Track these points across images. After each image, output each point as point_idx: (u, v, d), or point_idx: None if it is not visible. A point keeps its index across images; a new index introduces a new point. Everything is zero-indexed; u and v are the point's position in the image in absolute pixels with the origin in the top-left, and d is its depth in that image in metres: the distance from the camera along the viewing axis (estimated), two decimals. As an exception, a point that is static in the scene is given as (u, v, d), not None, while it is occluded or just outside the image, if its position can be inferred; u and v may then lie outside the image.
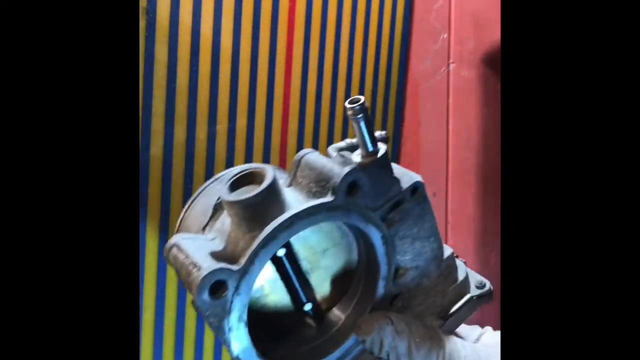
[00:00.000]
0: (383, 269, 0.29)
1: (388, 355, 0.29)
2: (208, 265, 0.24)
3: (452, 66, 0.59)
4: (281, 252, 0.28)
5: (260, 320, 0.29)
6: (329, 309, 0.31)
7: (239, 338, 0.26)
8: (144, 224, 0.42)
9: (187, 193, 0.44)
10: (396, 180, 0.29)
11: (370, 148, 0.29)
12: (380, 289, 0.30)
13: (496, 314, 0.56)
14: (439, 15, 0.59)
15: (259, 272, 0.25)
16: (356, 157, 0.30)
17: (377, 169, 0.29)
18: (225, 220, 0.28)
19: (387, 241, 0.29)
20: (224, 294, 0.25)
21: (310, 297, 0.30)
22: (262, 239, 0.25)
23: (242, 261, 0.25)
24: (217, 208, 0.31)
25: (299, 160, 0.29)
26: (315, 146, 0.50)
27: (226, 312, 0.25)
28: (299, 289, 0.29)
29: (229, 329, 0.25)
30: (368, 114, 0.28)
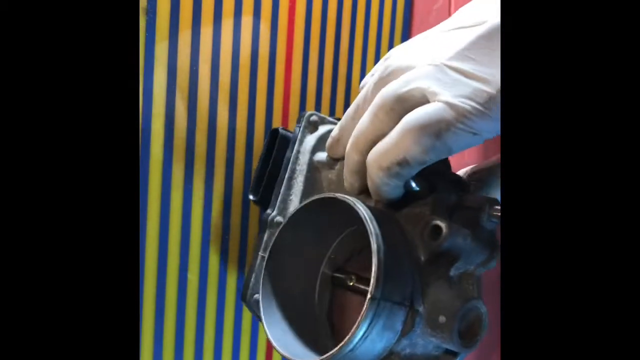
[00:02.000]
0: None
1: None
2: None
3: (452, 67, 0.59)
4: None
5: None
6: None
7: None
8: (144, 223, 0.42)
9: (187, 193, 0.44)
10: None
11: None
12: None
13: (496, 315, 0.56)
14: (439, 16, 0.59)
15: None
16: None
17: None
18: None
19: None
20: None
21: None
22: None
23: None
24: None
25: None
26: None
27: None
28: None
29: None
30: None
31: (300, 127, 0.43)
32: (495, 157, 0.40)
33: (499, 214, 0.32)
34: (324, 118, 0.44)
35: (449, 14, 0.59)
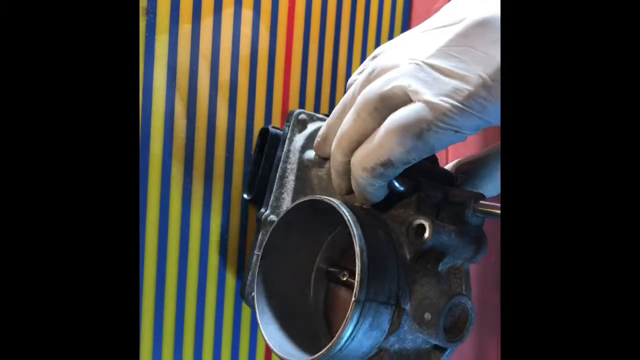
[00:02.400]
0: None
1: None
2: None
3: (451, 66, 0.59)
4: None
5: None
6: None
7: None
8: (144, 223, 0.42)
9: (187, 192, 0.44)
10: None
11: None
12: None
13: (496, 315, 0.56)
14: (439, 15, 0.59)
15: None
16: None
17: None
18: None
19: None
20: None
21: None
22: None
23: None
24: None
25: None
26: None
27: None
28: None
29: None
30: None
31: (289, 125, 0.44)
32: (482, 150, 0.40)
33: (484, 209, 0.32)
34: (313, 115, 0.44)
35: (449, 14, 0.59)
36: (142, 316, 0.43)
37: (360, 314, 0.29)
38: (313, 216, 0.35)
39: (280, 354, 0.32)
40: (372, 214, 0.34)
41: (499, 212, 0.31)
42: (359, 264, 0.29)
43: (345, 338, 0.29)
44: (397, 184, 0.33)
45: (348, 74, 0.53)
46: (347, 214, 0.31)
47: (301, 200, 0.34)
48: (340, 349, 0.30)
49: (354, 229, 0.30)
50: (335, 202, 0.32)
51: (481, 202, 0.32)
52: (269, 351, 0.49)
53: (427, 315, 0.30)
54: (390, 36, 0.56)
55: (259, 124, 0.47)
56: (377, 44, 0.55)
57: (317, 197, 0.33)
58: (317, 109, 0.51)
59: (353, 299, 0.29)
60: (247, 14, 0.46)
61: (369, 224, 0.32)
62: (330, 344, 0.29)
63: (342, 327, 0.29)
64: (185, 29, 0.43)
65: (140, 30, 0.41)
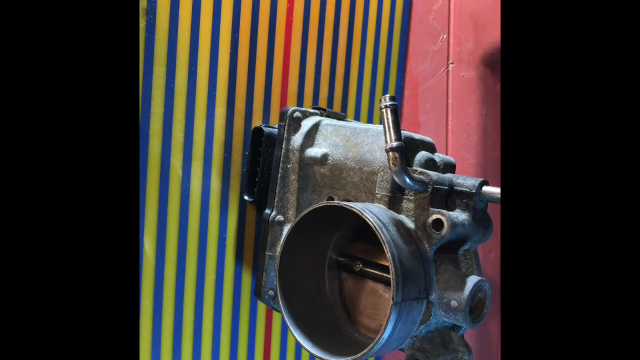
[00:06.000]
0: None
1: None
2: None
3: (451, 67, 0.60)
4: None
5: None
6: None
7: None
8: (143, 222, 0.43)
9: (185, 191, 0.44)
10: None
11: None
12: None
13: (497, 314, 0.56)
14: (438, 16, 0.59)
15: None
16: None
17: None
18: None
19: None
20: None
21: None
22: None
23: None
24: None
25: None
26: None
27: None
28: None
29: None
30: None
31: (284, 125, 0.44)
32: None
33: (488, 194, 0.34)
34: (306, 111, 0.44)
35: (449, 14, 0.59)
36: (141, 313, 0.43)
37: (398, 314, 0.31)
38: (326, 216, 0.36)
39: (320, 355, 0.34)
40: (390, 215, 0.35)
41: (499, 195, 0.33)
42: (393, 269, 0.31)
43: (385, 337, 0.31)
44: (409, 181, 0.34)
45: (347, 74, 0.53)
46: (372, 220, 0.32)
47: (318, 205, 0.35)
48: (381, 347, 0.31)
49: (383, 235, 0.31)
50: (358, 207, 0.33)
51: (484, 187, 0.34)
52: (267, 350, 0.50)
53: (454, 303, 0.32)
54: (390, 36, 0.56)
55: (257, 124, 0.47)
56: (376, 43, 0.55)
57: (336, 203, 0.34)
58: (316, 109, 0.51)
59: (391, 301, 0.30)
60: (245, 15, 0.46)
61: (392, 225, 0.33)
62: (372, 344, 0.31)
63: (382, 328, 0.30)
64: (184, 29, 0.43)
65: (140, 31, 0.41)
